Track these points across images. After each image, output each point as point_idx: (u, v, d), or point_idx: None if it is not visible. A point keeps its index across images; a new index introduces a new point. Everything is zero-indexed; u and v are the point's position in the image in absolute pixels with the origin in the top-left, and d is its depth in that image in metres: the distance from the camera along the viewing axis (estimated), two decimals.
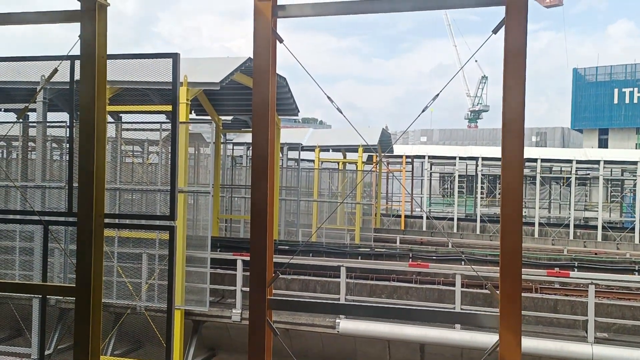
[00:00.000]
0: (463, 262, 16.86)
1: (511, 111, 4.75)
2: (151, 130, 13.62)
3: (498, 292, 4.79)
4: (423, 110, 5.28)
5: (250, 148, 5.41)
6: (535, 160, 32.26)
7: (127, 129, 13.20)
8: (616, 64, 60.83)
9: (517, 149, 4.75)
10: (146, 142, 15.02)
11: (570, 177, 33.03)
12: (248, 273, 13.99)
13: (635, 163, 31.77)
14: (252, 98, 5.34)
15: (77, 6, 4.78)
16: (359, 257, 17.83)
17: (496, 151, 35.36)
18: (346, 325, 12.05)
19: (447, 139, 72.54)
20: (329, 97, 5.34)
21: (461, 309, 11.62)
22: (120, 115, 14.21)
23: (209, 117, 17.88)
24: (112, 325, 12.57)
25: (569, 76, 63.37)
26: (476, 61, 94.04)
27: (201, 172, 21.19)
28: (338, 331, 12.14)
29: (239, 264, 13.17)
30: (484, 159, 34.08)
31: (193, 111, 18.54)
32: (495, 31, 4.84)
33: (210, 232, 13.35)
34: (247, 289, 13.55)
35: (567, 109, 63.70)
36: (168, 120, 12.16)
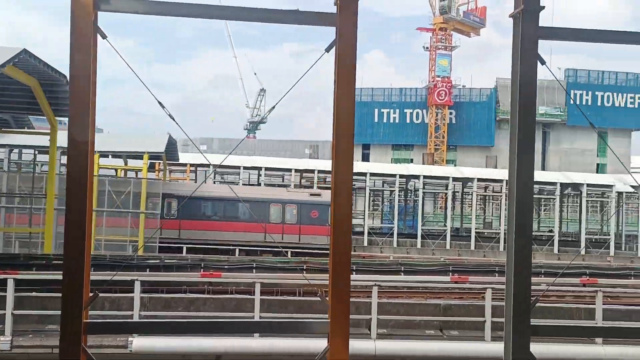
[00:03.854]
0: (254, 270, 17.27)
1: (342, 125, 5.07)
2: None
3: (327, 299, 5.01)
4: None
5: (66, 155, 4.72)
6: (313, 171, 34.65)
7: None
8: (376, 87, 68.67)
9: (347, 162, 5.07)
10: None
11: None
12: (20, 294, 12.30)
13: (394, 176, 36.28)
14: (69, 98, 4.74)
15: None
16: (148, 270, 16.92)
17: (277, 162, 37.00)
18: (140, 343, 11.29)
19: (227, 149, 73.47)
20: (160, 103, 4.98)
21: (260, 317, 11.84)
22: None
23: None
24: None
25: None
26: (255, 74, 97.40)
27: None
28: (131, 350, 11.31)
29: (10, 284, 11.47)
30: (267, 169, 35.35)
31: None
32: (327, 50, 5.12)
33: None
34: (19, 312, 11.91)
35: None
36: None
